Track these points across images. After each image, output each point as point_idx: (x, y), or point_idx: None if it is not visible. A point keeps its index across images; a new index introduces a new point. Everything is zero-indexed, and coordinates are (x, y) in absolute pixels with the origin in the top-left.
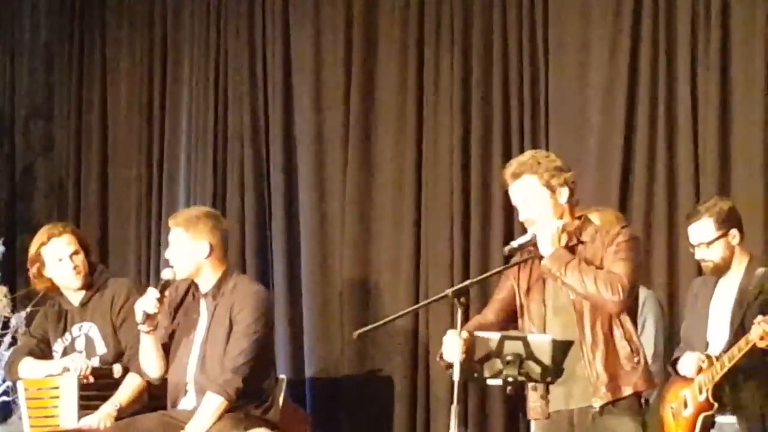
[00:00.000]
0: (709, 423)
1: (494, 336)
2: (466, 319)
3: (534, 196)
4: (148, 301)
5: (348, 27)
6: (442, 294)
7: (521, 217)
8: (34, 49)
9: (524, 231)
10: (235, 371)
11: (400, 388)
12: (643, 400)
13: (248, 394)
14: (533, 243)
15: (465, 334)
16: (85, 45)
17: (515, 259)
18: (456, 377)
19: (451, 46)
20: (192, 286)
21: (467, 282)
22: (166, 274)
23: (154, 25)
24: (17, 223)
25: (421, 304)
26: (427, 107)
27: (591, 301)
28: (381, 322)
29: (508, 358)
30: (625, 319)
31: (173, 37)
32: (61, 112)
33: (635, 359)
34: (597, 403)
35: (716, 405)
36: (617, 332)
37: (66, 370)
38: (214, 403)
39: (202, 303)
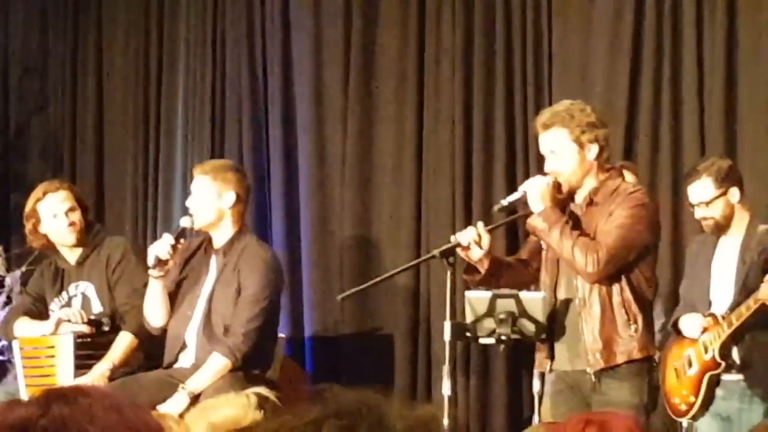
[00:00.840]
0: (714, 381)
1: (486, 294)
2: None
3: (562, 150)
4: (161, 246)
5: None
6: (429, 255)
7: (546, 169)
8: (28, 6)
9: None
10: (245, 336)
11: (400, 346)
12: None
13: (252, 358)
14: (524, 201)
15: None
16: (80, 2)
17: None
18: (447, 336)
19: (453, 4)
20: (205, 241)
21: (454, 242)
22: (184, 222)
23: None
24: (11, 182)
25: (407, 265)
26: (429, 63)
27: (569, 266)
28: (364, 285)
29: (501, 316)
30: (624, 285)
31: None
32: (56, 70)
33: (632, 327)
34: (590, 369)
35: (723, 364)
36: (616, 298)
37: (60, 321)
38: (219, 363)
39: (213, 259)
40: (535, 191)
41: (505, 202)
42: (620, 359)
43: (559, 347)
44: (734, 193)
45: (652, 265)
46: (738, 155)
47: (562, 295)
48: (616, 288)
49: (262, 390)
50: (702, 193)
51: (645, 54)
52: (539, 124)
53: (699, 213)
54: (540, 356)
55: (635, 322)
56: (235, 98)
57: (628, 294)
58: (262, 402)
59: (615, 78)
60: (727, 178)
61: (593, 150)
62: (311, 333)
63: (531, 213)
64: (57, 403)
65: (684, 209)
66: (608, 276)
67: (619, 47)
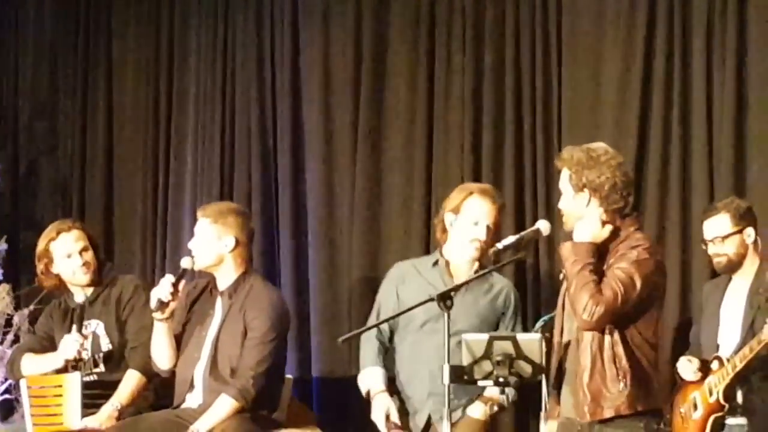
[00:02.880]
0: (719, 425)
1: (483, 337)
2: None
3: (564, 189)
4: (162, 289)
5: (358, 19)
6: (428, 298)
7: (558, 205)
8: (39, 46)
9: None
10: (254, 379)
11: None
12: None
13: (260, 399)
14: (517, 245)
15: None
16: (90, 42)
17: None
18: (446, 380)
19: (462, 40)
20: (211, 282)
21: (452, 286)
22: (184, 263)
23: (161, 21)
24: (21, 221)
25: (405, 309)
26: (438, 105)
27: (571, 304)
28: (364, 328)
29: (498, 358)
30: (618, 340)
31: (180, 33)
32: (66, 110)
33: (620, 383)
34: (579, 419)
35: (727, 406)
36: (607, 352)
37: (68, 363)
38: (228, 405)
39: (218, 300)
40: (589, 221)
41: (500, 246)
42: (607, 414)
43: (563, 392)
44: (750, 233)
45: (652, 324)
46: (747, 198)
47: (565, 339)
48: (608, 341)
49: None
50: (719, 228)
51: (654, 94)
52: (557, 160)
53: (712, 249)
54: (551, 402)
55: (624, 378)
56: (245, 137)
57: (620, 349)
58: None
59: (624, 118)
60: (745, 217)
61: (583, 197)
62: (319, 374)
63: (520, 258)
64: None
65: (693, 254)
66: (600, 328)
67: (629, 87)
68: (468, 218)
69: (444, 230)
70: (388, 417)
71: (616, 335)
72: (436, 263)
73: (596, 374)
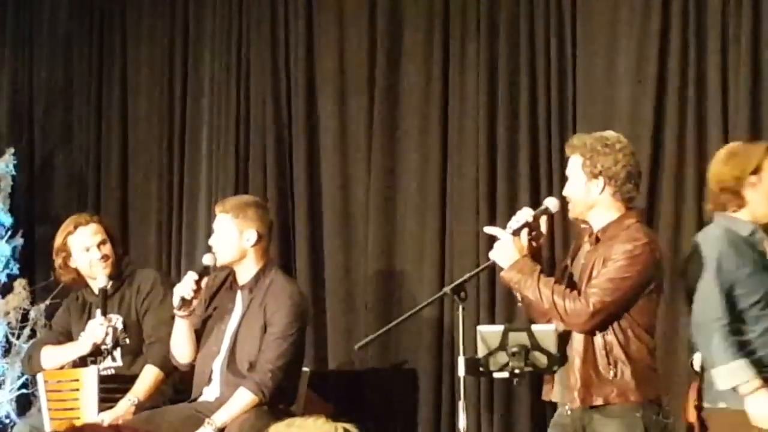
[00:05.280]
0: None
1: (498, 328)
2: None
3: (573, 176)
4: (185, 286)
5: (372, 12)
6: (440, 293)
7: (564, 192)
8: (53, 39)
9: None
10: (273, 372)
11: (424, 379)
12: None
13: (278, 393)
14: (529, 225)
15: None
16: (105, 35)
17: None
18: (462, 372)
19: (477, 30)
20: (230, 276)
21: (464, 277)
22: (206, 260)
23: (176, 12)
24: (36, 215)
25: (419, 307)
26: (453, 96)
27: (550, 315)
28: (380, 332)
29: (514, 349)
30: (609, 329)
31: (195, 26)
32: (81, 102)
33: (611, 371)
34: (568, 405)
35: None
36: (598, 340)
37: (95, 346)
38: (246, 398)
39: (239, 294)
40: (501, 254)
41: (510, 229)
42: (596, 401)
43: (556, 378)
44: None
45: (648, 310)
46: None
47: (560, 326)
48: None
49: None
50: None
51: (670, 84)
52: (567, 146)
53: None
54: (546, 387)
55: (615, 366)
56: (260, 133)
57: (611, 337)
58: None
59: (640, 109)
60: None
61: (598, 185)
62: (335, 366)
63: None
64: None
65: None
66: (599, 325)
67: (644, 75)
68: None
69: (739, 195)
70: None
71: (616, 324)
72: (752, 234)
73: (588, 361)
